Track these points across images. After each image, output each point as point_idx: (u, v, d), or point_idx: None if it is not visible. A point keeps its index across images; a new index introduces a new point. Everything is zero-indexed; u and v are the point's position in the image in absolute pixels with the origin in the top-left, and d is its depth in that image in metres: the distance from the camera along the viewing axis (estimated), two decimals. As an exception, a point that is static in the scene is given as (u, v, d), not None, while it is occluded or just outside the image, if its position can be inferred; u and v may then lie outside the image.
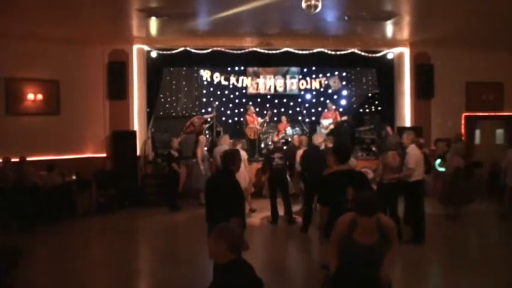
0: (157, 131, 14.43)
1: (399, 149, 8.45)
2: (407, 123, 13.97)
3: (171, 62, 14.04)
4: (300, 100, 16.67)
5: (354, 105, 16.73)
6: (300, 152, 10.23)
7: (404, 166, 8.24)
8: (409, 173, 8.19)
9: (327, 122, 14.86)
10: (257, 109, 15.56)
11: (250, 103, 15.54)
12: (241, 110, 16.04)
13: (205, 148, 12.63)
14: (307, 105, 16.52)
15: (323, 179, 5.69)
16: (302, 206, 10.28)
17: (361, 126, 14.71)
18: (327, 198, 4.88)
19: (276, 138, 12.52)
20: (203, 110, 15.98)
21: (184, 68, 16.01)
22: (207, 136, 14.64)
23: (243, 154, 9.74)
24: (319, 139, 9.81)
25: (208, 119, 14.90)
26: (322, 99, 16.56)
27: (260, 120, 14.66)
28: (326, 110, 15.38)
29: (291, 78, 16.34)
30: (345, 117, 14.77)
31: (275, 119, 15.66)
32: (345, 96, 16.66)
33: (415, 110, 14.00)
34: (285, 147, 11.91)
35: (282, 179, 10.27)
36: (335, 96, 16.44)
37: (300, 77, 16.01)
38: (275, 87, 16.16)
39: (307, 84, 15.67)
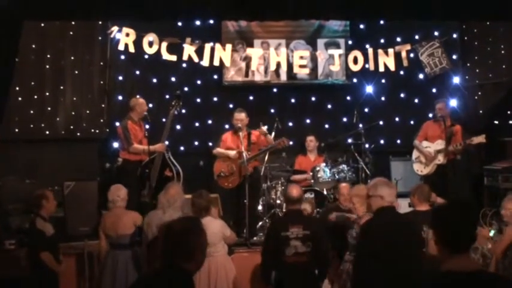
0: (8, 172, 7.00)
1: None
2: None
3: (40, 7, 5.93)
4: (348, 98, 7.89)
5: (480, 111, 7.75)
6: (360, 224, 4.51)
7: None
8: None
9: (433, 147, 6.54)
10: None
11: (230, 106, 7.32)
12: (218, 118, 7.58)
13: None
14: (366, 110, 7.72)
15: None
16: None
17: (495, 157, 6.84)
18: None
19: (294, 192, 4.75)
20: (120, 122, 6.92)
21: (73, 23, 7.29)
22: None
23: (216, 227, 5.05)
24: (390, 192, 3.94)
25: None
26: (402, 95, 7.91)
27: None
28: (432, 120, 6.81)
29: (328, 47, 7.59)
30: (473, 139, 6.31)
31: (291, 143, 6.89)
32: (458, 91, 7.63)
33: None
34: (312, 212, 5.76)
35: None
36: (434, 90, 7.79)
37: (350, 43, 7.73)
38: (289, 68, 7.17)
39: (365, 61, 6.99)
